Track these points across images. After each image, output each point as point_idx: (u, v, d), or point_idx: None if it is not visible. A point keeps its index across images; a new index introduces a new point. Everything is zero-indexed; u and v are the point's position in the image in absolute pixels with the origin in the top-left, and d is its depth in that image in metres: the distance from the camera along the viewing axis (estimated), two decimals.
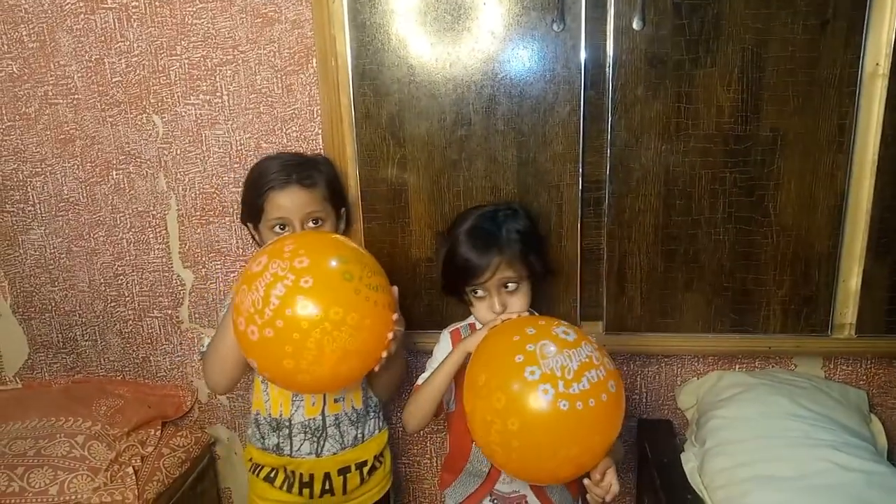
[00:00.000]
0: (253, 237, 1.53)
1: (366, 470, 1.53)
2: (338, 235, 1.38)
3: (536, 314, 1.45)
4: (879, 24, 1.46)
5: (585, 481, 1.24)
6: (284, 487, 1.50)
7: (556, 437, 1.14)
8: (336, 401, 1.48)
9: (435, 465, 1.89)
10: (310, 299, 1.12)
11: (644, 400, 1.78)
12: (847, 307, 1.61)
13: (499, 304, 1.36)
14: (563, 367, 1.14)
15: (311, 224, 1.41)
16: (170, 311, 1.85)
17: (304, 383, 1.23)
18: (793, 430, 1.48)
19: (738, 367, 1.73)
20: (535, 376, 1.13)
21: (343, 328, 1.14)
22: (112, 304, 1.87)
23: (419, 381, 1.43)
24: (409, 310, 1.70)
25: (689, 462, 1.55)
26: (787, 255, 1.58)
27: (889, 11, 1.45)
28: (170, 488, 1.71)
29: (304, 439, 1.48)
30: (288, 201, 1.39)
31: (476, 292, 1.38)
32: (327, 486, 1.50)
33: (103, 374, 1.94)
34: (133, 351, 1.91)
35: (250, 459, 1.55)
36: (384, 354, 1.25)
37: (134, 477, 1.65)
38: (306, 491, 1.50)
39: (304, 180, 1.41)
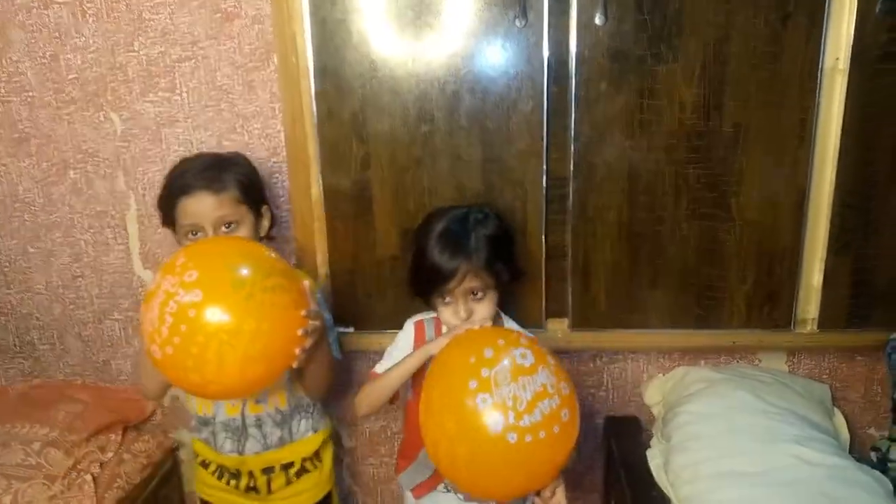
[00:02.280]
0: (179, 242, 1.46)
1: (292, 471, 1.52)
2: (235, 239, 1.35)
3: (503, 317, 1.44)
4: (839, 19, 1.47)
5: (535, 498, 1.26)
6: (216, 475, 1.53)
7: (501, 467, 1.15)
8: (258, 402, 1.47)
9: None
10: (202, 313, 1.12)
11: (610, 397, 1.78)
12: (809, 302, 1.63)
13: (464, 311, 1.35)
14: (516, 397, 1.12)
15: (223, 228, 1.38)
16: (130, 314, 1.81)
17: (216, 392, 1.25)
18: (757, 425, 1.49)
19: (703, 362, 1.73)
20: (486, 405, 1.12)
21: (240, 336, 1.13)
22: (70, 307, 1.83)
23: (377, 369, 1.43)
24: (373, 308, 1.70)
25: (655, 458, 1.55)
26: (750, 251, 1.59)
27: (848, 6, 1.46)
28: (130, 494, 1.67)
29: (227, 437, 1.49)
30: (197, 207, 1.36)
31: (443, 298, 1.37)
32: (252, 484, 1.51)
33: (62, 379, 1.89)
34: (93, 354, 1.86)
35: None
36: (297, 352, 1.23)
37: (93, 484, 1.61)
38: (233, 482, 1.52)
39: (212, 185, 1.37)
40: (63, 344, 1.86)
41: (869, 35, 1.46)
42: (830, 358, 1.72)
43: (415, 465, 1.47)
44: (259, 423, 1.48)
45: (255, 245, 1.30)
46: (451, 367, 1.23)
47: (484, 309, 1.37)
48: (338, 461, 1.89)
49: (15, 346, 1.88)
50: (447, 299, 1.36)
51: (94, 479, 1.63)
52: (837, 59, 1.48)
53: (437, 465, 1.23)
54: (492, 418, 1.11)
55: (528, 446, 1.11)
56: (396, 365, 1.38)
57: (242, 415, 1.47)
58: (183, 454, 1.91)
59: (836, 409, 1.66)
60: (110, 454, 1.72)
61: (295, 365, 1.24)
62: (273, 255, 1.27)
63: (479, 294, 1.36)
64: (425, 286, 1.39)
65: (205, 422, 1.50)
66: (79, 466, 1.63)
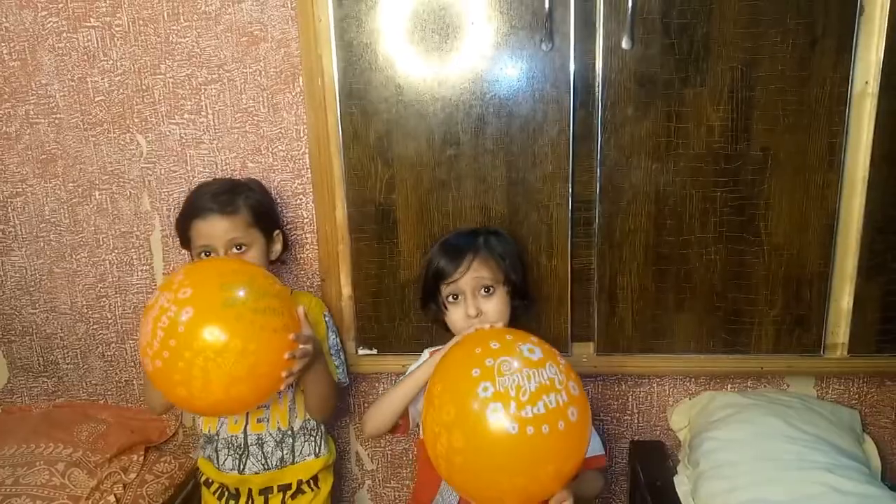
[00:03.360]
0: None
1: (289, 493, 1.53)
2: (233, 260, 1.39)
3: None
4: (868, 42, 1.46)
5: None
6: (217, 495, 1.56)
7: (499, 461, 1.08)
8: (259, 420, 1.50)
9: None
10: (190, 329, 1.16)
11: (636, 421, 1.76)
12: (839, 327, 1.60)
13: (473, 307, 1.33)
14: (519, 387, 1.07)
15: (234, 250, 1.43)
16: None
17: (202, 408, 1.31)
18: (787, 452, 1.46)
19: (730, 387, 1.71)
20: (487, 393, 1.07)
21: (226, 354, 1.16)
22: (94, 327, 1.83)
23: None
24: (397, 331, 1.69)
25: (683, 485, 1.53)
26: (778, 275, 1.57)
27: (877, 30, 1.45)
28: None
29: (228, 455, 1.52)
30: (209, 229, 1.42)
31: (451, 298, 1.36)
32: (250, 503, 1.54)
33: (85, 398, 1.89)
34: (115, 374, 1.86)
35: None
36: (284, 375, 1.25)
37: None
38: (232, 502, 1.55)
39: (224, 208, 1.43)
40: (86, 363, 1.87)
41: None
42: (860, 383, 1.69)
43: None
44: (260, 443, 1.50)
45: (252, 267, 1.33)
46: (455, 358, 1.20)
47: (494, 306, 1.34)
48: (358, 485, 1.88)
49: (39, 365, 1.88)
50: (457, 298, 1.35)
51: (118, 499, 1.62)
52: (867, 82, 1.47)
53: (435, 462, 1.17)
54: (491, 406, 1.07)
55: (529, 440, 1.05)
56: (405, 377, 1.37)
57: (245, 433, 1.50)
58: None
59: (866, 436, 1.64)
60: (133, 475, 1.71)
61: (281, 388, 1.27)
62: (270, 278, 1.31)
63: (490, 290, 1.34)
64: (433, 285, 1.38)
65: (209, 439, 1.54)
66: (102, 487, 1.63)
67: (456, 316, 1.36)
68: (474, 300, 1.34)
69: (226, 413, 1.45)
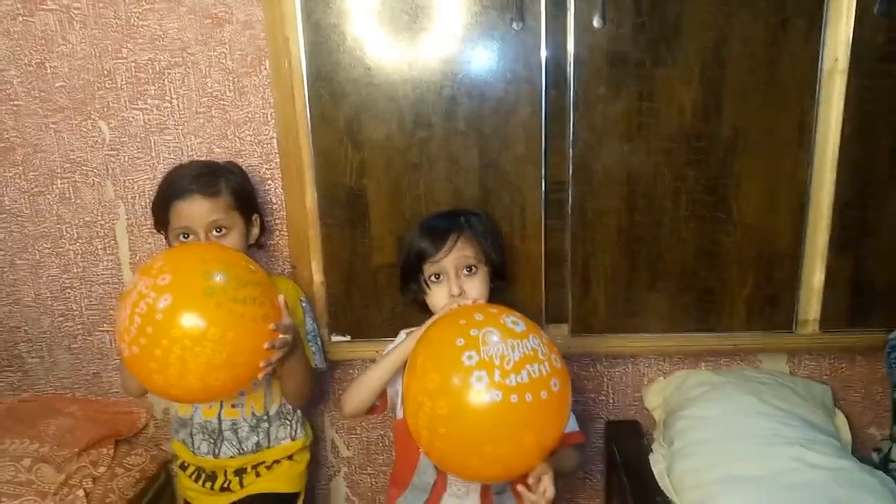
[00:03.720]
0: (170, 245, 1.49)
1: (262, 468, 1.53)
2: (214, 246, 1.36)
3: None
4: (837, 20, 1.47)
5: (519, 486, 1.16)
6: (193, 478, 1.56)
7: (483, 428, 1.08)
8: (233, 406, 1.49)
9: None
10: (168, 317, 1.14)
11: (611, 401, 1.76)
12: (811, 304, 1.62)
13: (456, 286, 1.33)
14: (503, 356, 1.08)
15: (214, 233, 1.41)
16: None
17: (178, 396, 1.28)
18: (760, 428, 1.48)
19: (703, 365, 1.72)
20: (471, 361, 1.08)
21: (204, 343, 1.15)
22: (60, 319, 1.79)
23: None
24: (370, 316, 1.67)
25: (658, 464, 1.54)
26: (750, 253, 1.58)
27: (846, 8, 1.45)
28: None
29: (203, 439, 1.51)
30: (190, 210, 1.39)
31: (433, 278, 1.36)
32: (226, 484, 1.53)
33: (52, 392, 1.85)
34: (83, 367, 1.82)
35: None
36: (262, 364, 1.23)
37: (85, 500, 1.57)
38: (209, 483, 1.54)
39: (206, 189, 1.40)
40: (52, 357, 1.82)
41: (867, 36, 1.46)
42: (831, 359, 1.72)
43: (408, 493, 1.42)
44: (235, 428, 1.49)
45: (234, 254, 1.31)
46: (440, 329, 1.19)
47: (476, 287, 1.35)
48: (334, 472, 1.87)
49: (3, 359, 1.83)
50: (439, 278, 1.35)
51: (87, 494, 1.59)
52: (836, 60, 1.48)
53: (416, 433, 1.17)
54: (476, 374, 1.07)
55: (513, 407, 1.06)
56: (385, 354, 1.36)
57: (219, 418, 1.49)
58: (176, 467, 1.88)
59: (837, 410, 1.66)
60: (103, 469, 1.68)
61: (259, 377, 1.26)
62: (252, 266, 1.29)
63: (472, 269, 1.35)
64: (415, 265, 1.37)
65: (183, 423, 1.52)
66: (71, 482, 1.59)
67: (439, 295, 1.36)
68: (457, 279, 1.34)
69: (202, 401, 1.44)
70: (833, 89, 1.49)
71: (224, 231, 1.42)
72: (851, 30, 1.45)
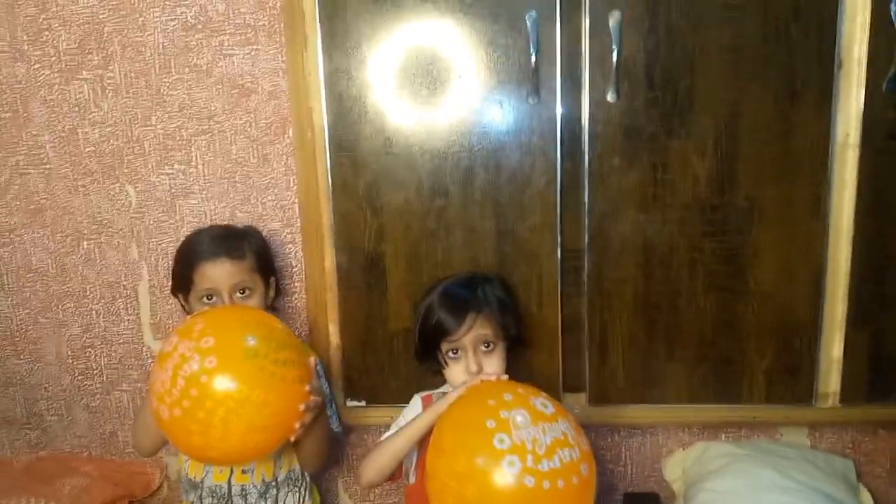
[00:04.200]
0: (183, 308, 1.52)
1: None
2: (252, 310, 1.39)
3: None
4: (847, 95, 1.48)
5: None
6: None
7: None
8: (244, 472, 1.48)
9: None
10: (214, 379, 1.16)
11: (629, 472, 1.73)
12: (830, 376, 1.60)
13: (475, 363, 1.33)
14: (535, 440, 1.07)
15: (238, 294, 1.44)
16: (139, 385, 1.79)
17: (214, 458, 1.30)
18: (782, 503, 1.44)
19: (723, 436, 1.69)
20: (503, 445, 1.07)
21: (247, 406, 1.16)
22: (79, 377, 1.81)
23: (382, 438, 1.39)
24: (386, 382, 1.68)
25: None
26: (768, 324, 1.57)
27: (856, 83, 1.47)
28: None
29: (212, 503, 1.49)
30: (216, 272, 1.42)
31: (451, 353, 1.35)
32: None
33: (69, 450, 1.85)
34: (100, 426, 1.83)
35: None
36: (297, 426, 1.25)
37: None
38: None
39: (232, 252, 1.44)
40: (71, 415, 1.84)
41: (878, 111, 1.47)
42: (853, 432, 1.68)
43: None
44: (244, 494, 1.48)
45: (269, 317, 1.33)
46: (467, 409, 1.18)
47: (494, 363, 1.35)
48: None
49: (23, 416, 1.85)
50: (456, 353, 1.34)
51: None
52: (848, 134, 1.49)
53: None
54: (507, 459, 1.05)
55: (545, 494, 1.04)
56: (405, 426, 1.35)
57: (229, 483, 1.47)
58: None
59: (861, 486, 1.62)
60: None
61: (293, 438, 1.27)
62: (285, 328, 1.31)
63: (490, 345, 1.34)
64: (432, 341, 1.37)
65: (193, 485, 1.51)
66: None
67: (457, 371, 1.36)
68: (475, 356, 1.34)
69: (236, 463, 1.43)
70: (846, 163, 1.50)
71: (247, 293, 1.45)
72: (861, 105, 1.47)
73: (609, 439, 1.71)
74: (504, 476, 1.05)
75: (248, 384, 1.16)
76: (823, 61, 1.46)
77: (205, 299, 1.43)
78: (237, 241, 1.48)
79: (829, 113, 1.48)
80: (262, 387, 1.17)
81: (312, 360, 1.31)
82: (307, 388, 1.24)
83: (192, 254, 1.46)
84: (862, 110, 1.47)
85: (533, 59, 1.48)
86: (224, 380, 1.15)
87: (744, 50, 1.47)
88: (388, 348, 1.65)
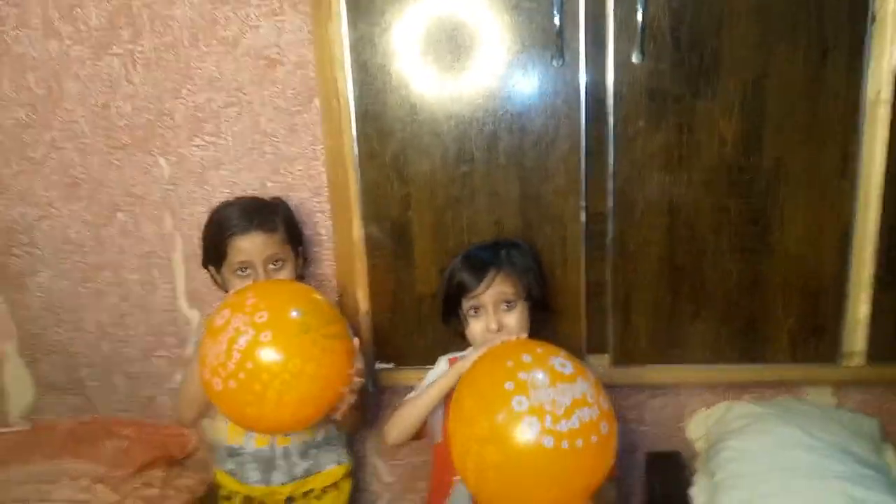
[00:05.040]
0: (213, 279, 1.56)
1: (312, 496, 1.57)
2: (298, 285, 1.45)
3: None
4: (880, 52, 1.46)
5: None
6: None
7: (535, 474, 1.09)
8: (286, 433, 1.52)
9: None
10: (269, 353, 1.20)
11: (652, 432, 1.76)
12: (856, 335, 1.60)
13: (495, 322, 1.35)
14: (554, 401, 1.09)
15: (272, 266, 1.47)
16: (176, 351, 1.85)
17: (266, 428, 1.36)
18: (805, 461, 1.46)
19: (747, 397, 1.70)
20: (522, 407, 1.09)
21: (302, 378, 1.22)
22: (118, 345, 1.87)
23: (407, 398, 1.43)
24: (413, 345, 1.72)
25: (700, 496, 1.53)
26: (794, 285, 1.57)
27: (889, 39, 1.45)
28: None
29: (255, 468, 1.54)
30: (250, 245, 1.45)
31: (472, 312, 1.38)
32: None
33: (109, 415, 1.92)
34: (139, 391, 1.90)
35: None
36: (341, 405, 1.31)
37: None
38: None
39: (264, 224, 1.47)
40: (110, 381, 1.90)
41: None
42: (879, 391, 1.68)
43: None
44: (286, 455, 1.54)
45: (315, 292, 1.38)
46: (486, 371, 1.21)
47: (515, 320, 1.37)
48: (376, 498, 1.90)
49: (65, 383, 1.92)
50: (477, 312, 1.37)
51: None
52: (879, 91, 1.47)
53: (464, 477, 1.18)
54: (527, 420, 1.07)
55: (564, 454, 1.07)
56: (429, 386, 1.39)
57: (272, 446, 1.53)
58: None
59: (886, 444, 1.62)
60: (155, 490, 1.73)
61: (338, 417, 1.33)
62: (328, 301, 1.36)
63: (511, 303, 1.36)
64: (454, 298, 1.40)
65: (233, 452, 1.56)
66: (125, 502, 1.65)
67: (477, 329, 1.38)
68: (496, 314, 1.36)
69: (284, 432, 1.48)
70: (877, 121, 1.49)
71: (280, 264, 1.48)
72: (895, 61, 1.45)
73: (632, 399, 1.73)
74: (523, 437, 1.08)
75: (303, 357, 1.22)
76: (855, 16, 1.44)
77: (239, 272, 1.46)
78: (269, 214, 1.51)
79: (861, 69, 1.46)
80: (315, 360, 1.23)
81: (356, 340, 1.35)
82: (351, 371, 1.30)
83: (224, 227, 1.48)
84: (895, 66, 1.45)
85: (557, 21, 1.48)
86: (280, 353, 1.21)
87: (772, 8, 1.45)
88: (415, 313, 1.69)
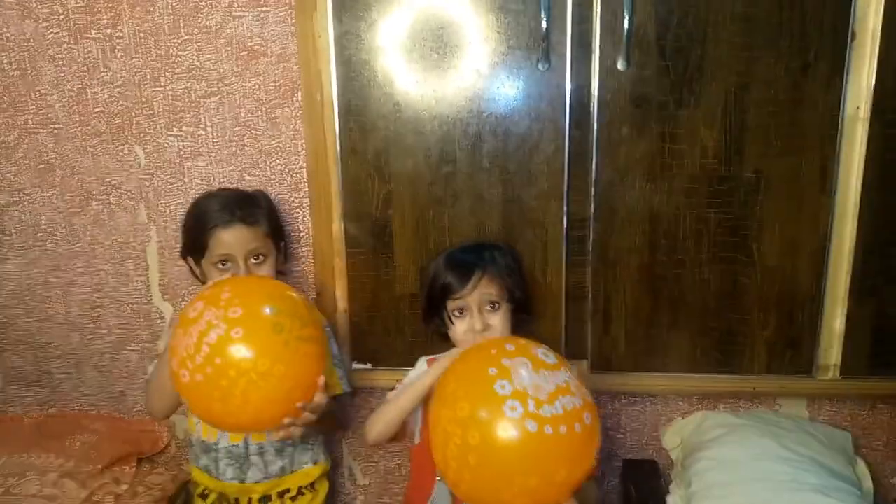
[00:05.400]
0: (192, 271, 1.53)
1: (288, 496, 1.55)
2: (276, 283, 1.40)
3: None
4: (859, 68, 1.48)
5: None
6: None
7: (516, 459, 1.07)
8: (248, 433, 1.49)
9: None
10: (239, 350, 1.17)
11: (628, 440, 1.76)
12: (831, 348, 1.61)
13: (480, 323, 1.34)
14: (538, 386, 1.08)
15: (253, 260, 1.44)
16: (148, 345, 1.81)
17: (230, 425, 1.32)
18: (779, 473, 1.47)
19: (722, 407, 1.72)
20: (505, 391, 1.07)
21: (269, 378, 1.18)
22: (89, 337, 1.83)
23: (388, 397, 1.42)
24: (392, 345, 1.70)
25: None
26: (771, 296, 1.58)
27: (868, 56, 1.47)
28: None
29: (229, 464, 1.51)
30: (232, 238, 1.42)
31: (456, 312, 1.37)
32: None
33: (78, 409, 1.89)
34: (109, 385, 1.86)
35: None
36: (317, 398, 1.27)
37: None
38: None
39: (247, 218, 1.44)
40: (80, 373, 1.87)
41: (890, 84, 1.47)
42: (852, 405, 1.70)
43: None
44: (261, 452, 1.51)
45: (291, 290, 1.34)
46: (470, 358, 1.20)
47: (499, 322, 1.36)
48: (350, 500, 1.88)
49: (33, 374, 1.88)
50: (462, 312, 1.36)
51: None
52: (858, 107, 1.49)
53: (444, 465, 1.16)
54: (509, 404, 1.06)
55: (547, 439, 1.05)
56: (409, 384, 1.37)
57: (246, 442, 1.50)
58: None
59: (858, 458, 1.64)
60: (125, 486, 1.71)
61: (292, 432, 1.30)
62: (306, 301, 1.33)
63: (495, 306, 1.36)
64: (439, 299, 1.39)
65: (207, 448, 1.53)
66: (94, 498, 1.63)
67: (461, 329, 1.37)
68: (481, 315, 1.35)
69: (250, 431, 1.45)
70: (855, 136, 1.50)
71: (261, 258, 1.45)
72: (874, 78, 1.46)
73: (609, 407, 1.73)
74: (506, 420, 1.06)
75: (272, 358, 1.18)
76: (837, 33, 1.45)
77: (219, 265, 1.43)
78: (251, 207, 1.47)
79: (841, 85, 1.48)
80: (285, 361, 1.20)
81: (321, 379, 1.29)
82: (299, 405, 1.25)
83: (206, 219, 1.45)
84: (874, 84, 1.47)
85: (544, 25, 1.47)
86: (249, 352, 1.17)
87: (757, 19, 1.46)
88: (394, 313, 1.67)
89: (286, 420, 1.25)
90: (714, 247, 1.56)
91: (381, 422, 1.38)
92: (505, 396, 1.07)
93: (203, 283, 1.48)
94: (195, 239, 1.46)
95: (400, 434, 1.41)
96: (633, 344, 1.63)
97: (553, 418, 1.06)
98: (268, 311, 1.22)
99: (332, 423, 1.59)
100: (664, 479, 1.70)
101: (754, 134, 1.51)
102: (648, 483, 1.66)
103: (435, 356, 1.49)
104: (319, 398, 1.28)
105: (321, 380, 1.29)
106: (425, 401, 1.34)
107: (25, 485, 1.61)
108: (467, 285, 1.34)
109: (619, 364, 1.64)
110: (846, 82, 1.48)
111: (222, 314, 1.19)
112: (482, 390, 1.10)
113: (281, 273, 1.62)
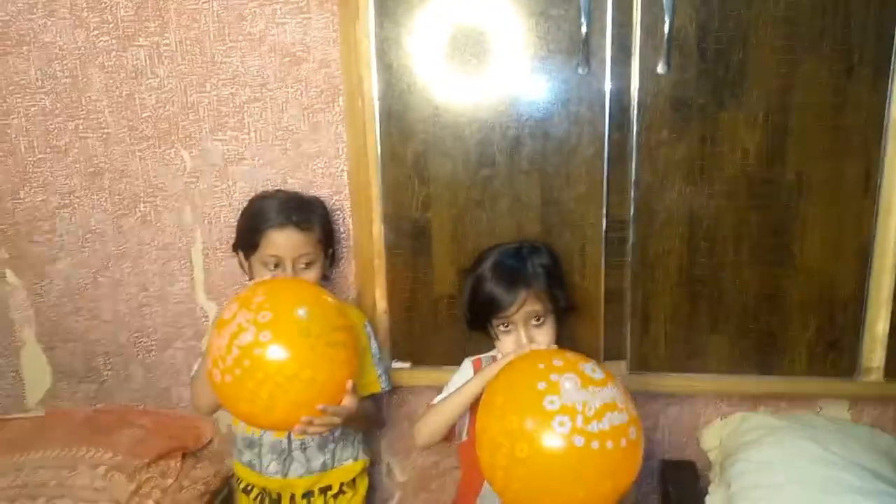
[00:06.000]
0: (241, 264, 1.57)
1: (330, 494, 1.57)
2: (311, 287, 1.41)
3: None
4: None
5: None
6: (257, 501, 1.59)
7: (563, 473, 1.11)
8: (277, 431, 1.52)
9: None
10: (266, 354, 1.20)
11: (667, 440, 1.76)
12: (874, 351, 1.60)
13: (525, 337, 1.37)
14: (585, 402, 1.11)
15: (301, 265, 1.46)
16: (193, 343, 1.86)
17: (259, 424, 1.37)
18: (820, 475, 1.45)
19: (762, 408, 1.71)
20: (554, 406, 1.11)
21: (295, 382, 1.21)
22: (136, 335, 1.89)
23: (434, 401, 1.44)
24: (430, 344, 1.72)
25: None
26: (812, 298, 1.57)
27: None
28: None
29: (272, 459, 1.55)
30: (284, 241, 1.45)
31: (502, 327, 1.39)
32: None
33: (125, 404, 1.94)
34: (155, 381, 1.92)
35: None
36: (345, 402, 1.30)
37: None
38: None
39: (301, 223, 1.47)
40: (127, 370, 1.92)
41: None
42: (895, 408, 1.68)
43: None
44: (304, 447, 1.54)
45: (327, 297, 1.36)
46: (518, 372, 1.22)
47: (545, 335, 1.38)
48: (388, 497, 1.91)
49: (82, 371, 1.94)
50: (507, 327, 1.38)
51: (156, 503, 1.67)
52: None
53: (491, 474, 1.19)
54: (558, 419, 1.09)
55: (594, 454, 1.09)
56: (457, 391, 1.40)
57: (289, 437, 1.53)
58: None
59: None
60: (171, 480, 1.75)
61: (310, 432, 1.30)
62: (339, 307, 1.35)
63: (540, 319, 1.38)
64: (484, 315, 1.41)
65: (251, 443, 1.56)
66: (141, 491, 1.67)
67: (507, 343, 1.40)
68: (526, 330, 1.38)
69: (279, 430, 1.49)
70: None
71: (309, 264, 1.48)
72: None
73: (647, 407, 1.73)
74: (554, 435, 1.10)
75: (299, 362, 1.21)
76: (882, 34, 1.44)
77: (269, 266, 1.46)
78: (307, 213, 1.50)
79: (886, 88, 1.46)
80: (312, 366, 1.23)
81: (350, 383, 1.30)
82: (319, 407, 1.25)
83: (261, 218, 1.48)
84: None
85: (584, 29, 1.48)
86: (276, 355, 1.20)
87: (799, 22, 1.45)
88: (432, 313, 1.69)
89: (304, 418, 1.26)
90: (755, 249, 1.56)
91: (429, 427, 1.41)
92: (554, 412, 1.11)
93: (250, 278, 1.52)
94: (248, 236, 1.49)
95: (448, 435, 1.44)
96: (671, 345, 1.63)
97: (600, 434, 1.10)
98: (298, 315, 1.25)
99: (370, 421, 1.61)
100: (702, 480, 1.69)
101: (797, 137, 1.50)
102: (686, 484, 1.66)
103: (480, 356, 1.51)
104: (348, 402, 1.31)
105: (349, 384, 1.31)
106: (472, 404, 1.36)
107: (77, 477, 1.66)
108: (512, 306, 1.36)
109: (657, 365, 1.65)
110: (891, 84, 1.46)
111: (253, 318, 1.22)
112: (532, 405, 1.13)
113: (325, 278, 1.66)
